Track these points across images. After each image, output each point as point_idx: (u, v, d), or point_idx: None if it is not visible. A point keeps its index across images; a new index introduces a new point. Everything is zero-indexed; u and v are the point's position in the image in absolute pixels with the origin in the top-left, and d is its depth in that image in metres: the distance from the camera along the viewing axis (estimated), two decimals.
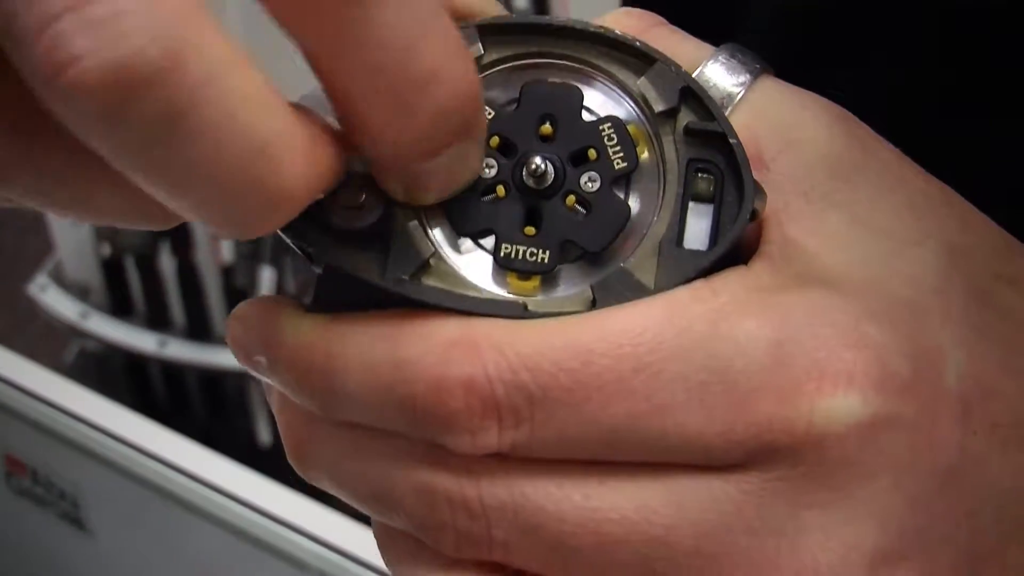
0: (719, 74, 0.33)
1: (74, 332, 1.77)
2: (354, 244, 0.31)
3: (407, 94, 0.27)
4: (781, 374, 0.28)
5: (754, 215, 0.31)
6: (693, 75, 0.32)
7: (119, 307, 1.78)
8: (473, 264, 0.31)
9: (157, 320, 1.77)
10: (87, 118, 0.24)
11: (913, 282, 0.30)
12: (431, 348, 0.29)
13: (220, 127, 0.25)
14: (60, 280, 1.78)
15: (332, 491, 0.32)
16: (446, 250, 0.31)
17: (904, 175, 0.32)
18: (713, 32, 0.35)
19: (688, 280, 0.30)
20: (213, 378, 1.75)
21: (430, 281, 0.31)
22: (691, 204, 0.31)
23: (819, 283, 0.30)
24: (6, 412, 1.10)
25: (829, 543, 0.29)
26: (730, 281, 0.30)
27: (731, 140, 0.31)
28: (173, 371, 1.79)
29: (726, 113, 0.32)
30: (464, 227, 0.31)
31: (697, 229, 0.31)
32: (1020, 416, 0.30)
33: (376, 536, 0.33)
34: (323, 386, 0.30)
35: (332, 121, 0.29)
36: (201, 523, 1.01)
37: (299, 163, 0.26)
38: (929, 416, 0.29)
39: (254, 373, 0.32)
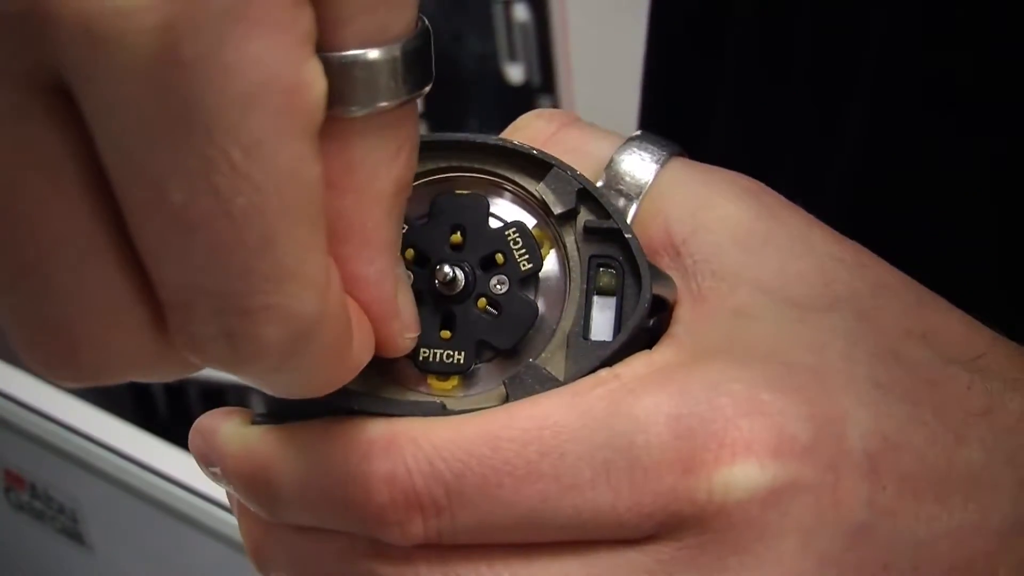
0: (631, 164, 0.35)
1: None
2: None
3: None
4: (681, 447, 0.30)
5: (663, 303, 0.33)
6: (606, 166, 0.35)
7: None
8: (398, 366, 0.34)
9: None
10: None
11: (817, 348, 0.32)
12: (356, 449, 0.31)
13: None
14: None
15: None
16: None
17: (813, 240, 0.34)
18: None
19: (594, 369, 0.32)
20: (214, 392, 1.75)
21: (357, 387, 0.32)
22: (595, 298, 0.33)
23: (719, 356, 0.31)
24: (5, 426, 1.10)
25: None
26: (632, 364, 0.32)
27: (626, 235, 0.33)
28: (174, 384, 1.79)
29: (638, 200, 0.34)
30: None
31: (602, 321, 0.33)
32: (930, 466, 0.31)
33: None
34: (265, 493, 0.32)
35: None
36: (201, 537, 1.01)
37: (353, 356, 0.29)
38: (832, 476, 0.30)
39: (214, 482, 0.35)
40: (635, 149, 0.35)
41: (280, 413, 0.33)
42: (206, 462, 0.34)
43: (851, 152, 0.50)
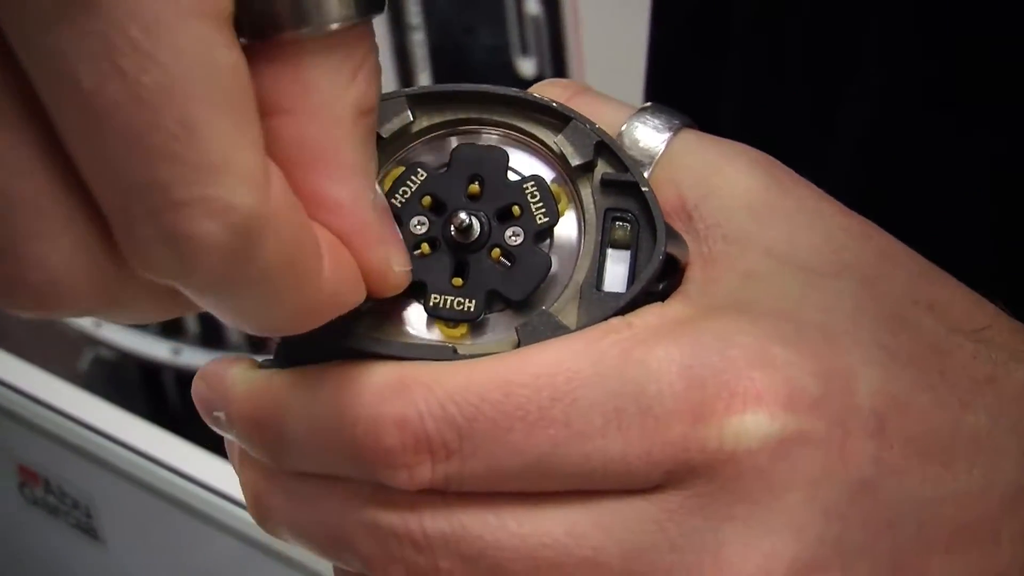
0: (642, 132, 0.35)
1: (88, 340, 1.77)
2: None
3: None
4: (692, 396, 0.30)
5: (676, 264, 0.33)
6: (617, 135, 0.35)
7: None
8: (408, 314, 0.34)
9: (171, 328, 1.77)
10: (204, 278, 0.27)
11: (825, 309, 0.32)
12: (366, 391, 0.31)
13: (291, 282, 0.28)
14: None
15: (292, 541, 0.34)
16: (383, 301, 0.33)
17: (822, 211, 0.34)
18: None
19: (606, 319, 0.32)
20: None
21: (368, 331, 0.33)
22: (609, 251, 0.33)
23: (730, 311, 0.32)
24: (19, 422, 1.11)
25: (749, 554, 0.30)
26: (644, 314, 0.32)
27: (643, 188, 0.33)
28: (187, 379, 1.79)
29: (650, 168, 0.35)
30: None
31: (616, 273, 0.33)
32: (935, 428, 0.32)
33: None
34: (272, 436, 0.32)
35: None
36: (214, 532, 1.01)
37: (329, 287, 0.29)
38: (840, 431, 0.31)
39: (216, 430, 0.34)
40: (647, 118, 0.35)
41: (288, 359, 0.33)
42: (210, 407, 0.34)
43: (850, 151, 0.50)
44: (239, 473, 0.35)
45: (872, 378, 0.31)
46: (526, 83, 0.46)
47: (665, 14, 0.62)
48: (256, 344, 1.65)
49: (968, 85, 0.46)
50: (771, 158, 0.35)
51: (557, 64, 1.61)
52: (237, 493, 1.01)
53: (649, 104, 0.36)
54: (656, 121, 0.35)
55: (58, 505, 1.14)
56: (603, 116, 0.35)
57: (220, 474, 1.02)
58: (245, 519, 1.00)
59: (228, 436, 0.34)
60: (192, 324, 1.78)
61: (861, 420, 0.31)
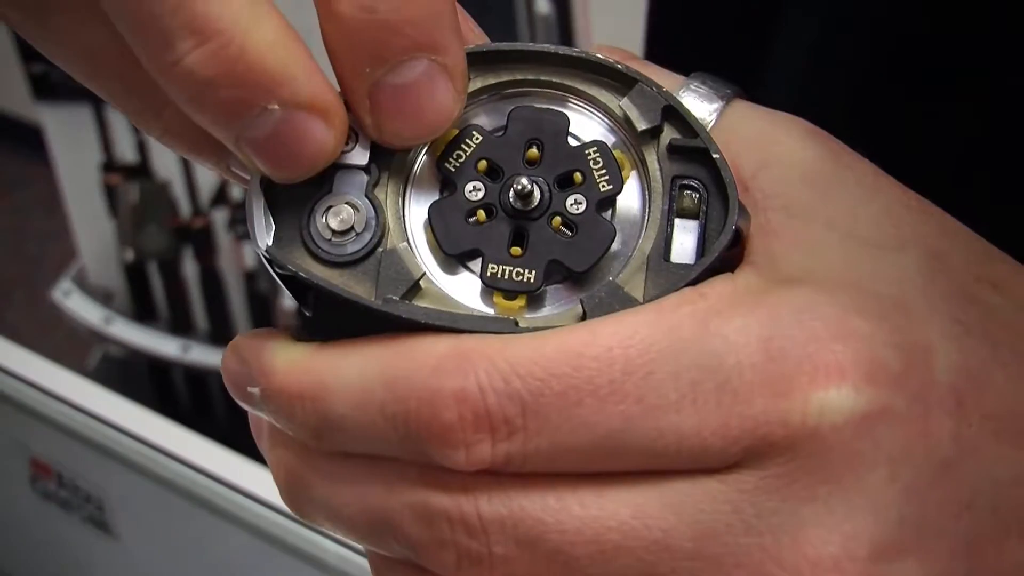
0: (692, 102, 0.33)
1: (97, 337, 1.78)
2: (344, 269, 0.31)
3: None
4: (773, 369, 0.29)
5: (739, 235, 0.31)
6: None
7: (142, 312, 1.79)
8: (461, 285, 0.32)
9: (180, 325, 1.78)
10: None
11: (897, 283, 0.31)
12: (422, 364, 0.29)
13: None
14: (84, 285, 1.79)
15: (328, 527, 0.32)
16: (435, 272, 0.32)
17: (880, 185, 0.33)
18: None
19: (677, 291, 0.30)
20: None
21: (421, 302, 0.31)
22: (677, 220, 0.32)
23: (803, 283, 0.30)
24: (32, 416, 1.11)
25: (829, 536, 0.29)
26: (717, 285, 0.30)
27: (714, 155, 0.32)
28: (196, 376, 1.80)
29: None
30: (452, 248, 0.32)
31: (684, 244, 0.32)
32: (1011, 407, 0.30)
33: (372, 569, 0.33)
34: (315, 411, 0.30)
35: None
36: (225, 525, 1.02)
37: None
38: (922, 407, 0.29)
39: (247, 408, 0.33)
40: (698, 86, 0.34)
41: (328, 333, 0.31)
42: (242, 382, 0.32)
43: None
44: (268, 453, 0.33)
45: (950, 353, 0.30)
46: None
47: (661, 16, 0.62)
48: None
49: (938, 59, 0.46)
50: (825, 131, 0.34)
51: None
52: (250, 487, 1.01)
53: (698, 73, 0.34)
54: (707, 90, 0.34)
55: (70, 499, 1.14)
56: None
57: (233, 468, 1.02)
58: (258, 513, 1.00)
59: (260, 414, 0.32)
60: (201, 321, 1.78)
61: (940, 396, 0.29)
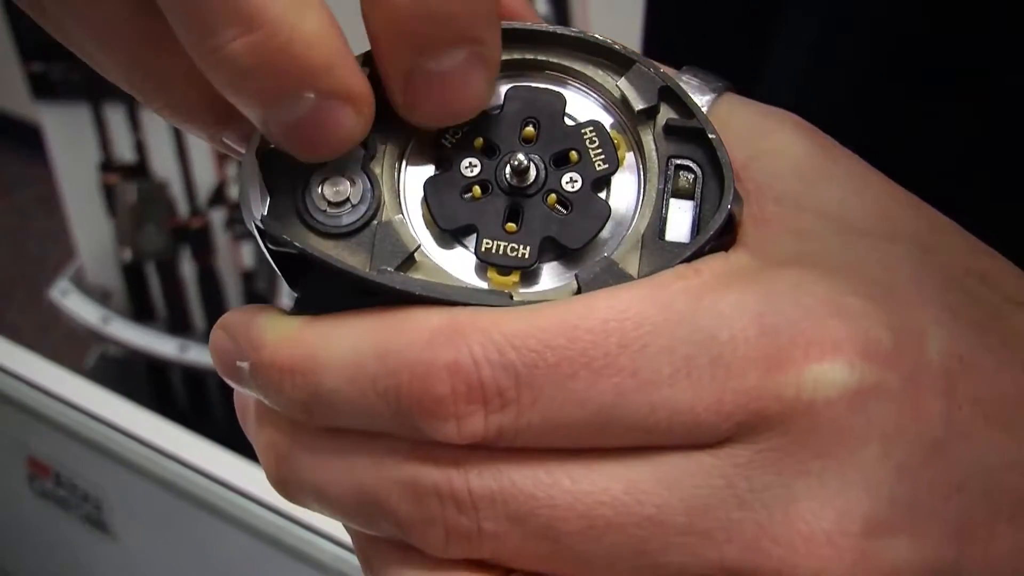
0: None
1: (95, 337, 1.78)
2: (339, 240, 0.31)
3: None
4: (767, 343, 0.29)
5: (732, 219, 0.31)
6: None
7: (140, 312, 1.79)
8: (456, 260, 0.32)
9: (178, 325, 1.78)
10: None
11: (889, 269, 0.31)
12: (415, 336, 0.29)
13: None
14: (82, 285, 1.79)
15: (316, 507, 0.32)
16: (429, 246, 0.32)
17: (869, 179, 0.33)
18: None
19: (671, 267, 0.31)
20: None
21: (415, 275, 0.31)
22: (672, 200, 0.32)
23: (796, 264, 0.30)
24: (30, 415, 1.11)
25: (822, 511, 0.29)
26: (711, 262, 0.30)
27: (710, 135, 0.32)
28: (194, 375, 1.80)
29: None
30: (447, 223, 0.32)
31: (679, 223, 0.32)
32: (1000, 392, 0.31)
33: (358, 551, 0.33)
34: (306, 384, 0.30)
35: None
36: (223, 525, 1.02)
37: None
38: (914, 386, 0.29)
39: (235, 385, 0.32)
40: (691, 79, 0.34)
41: (325, 304, 0.31)
42: (231, 357, 0.32)
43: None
44: (255, 434, 0.33)
45: (941, 336, 0.30)
46: None
47: (658, 16, 0.62)
48: None
49: (937, 57, 0.46)
50: (814, 126, 0.34)
51: None
52: (248, 487, 1.01)
53: (689, 67, 0.34)
54: (698, 82, 0.34)
55: (68, 498, 1.15)
56: None
57: (231, 468, 1.02)
58: (254, 512, 1.00)
59: (248, 391, 0.32)
60: (199, 321, 1.78)
61: (932, 377, 0.30)
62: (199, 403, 1.82)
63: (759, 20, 0.54)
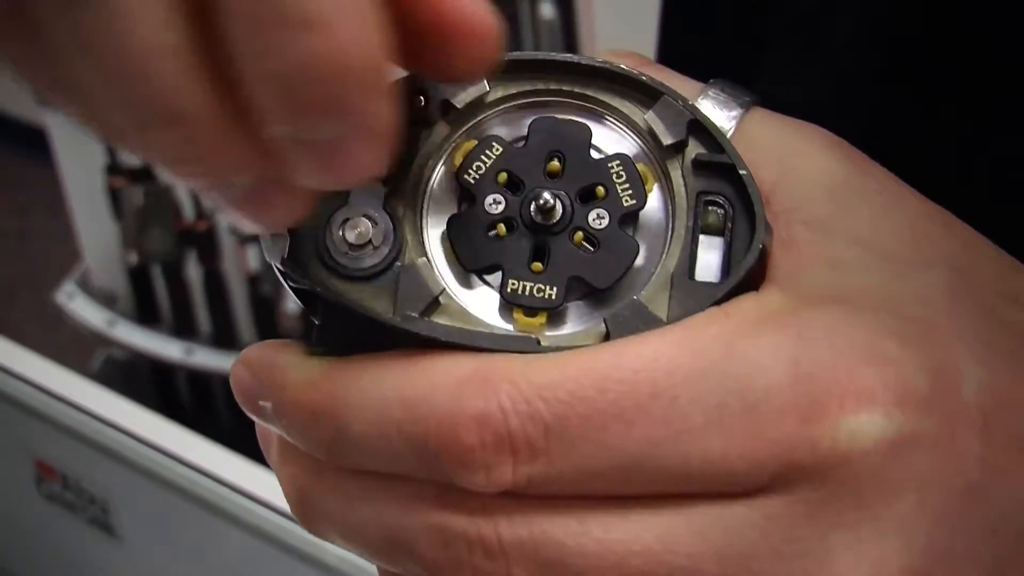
0: (710, 109, 0.33)
1: (101, 340, 1.78)
2: (361, 283, 0.31)
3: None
4: (801, 392, 0.28)
5: (762, 250, 0.31)
6: None
7: (145, 315, 1.79)
8: (479, 299, 0.31)
9: (183, 328, 1.78)
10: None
11: (922, 302, 0.30)
12: (442, 385, 0.28)
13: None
14: (87, 288, 1.79)
15: (341, 543, 0.31)
16: (453, 286, 0.31)
17: (903, 197, 0.32)
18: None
19: (702, 310, 0.30)
20: None
21: (439, 319, 0.31)
22: (701, 237, 0.31)
23: (830, 303, 0.30)
24: (37, 418, 1.11)
25: (859, 563, 0.28)
26: (742, 304, 0.30)
27: (741, 171, 0.31)
28: (199, 379, 1.80)
29: None
30: (472, 263, 0.31)
31: (708, 261, 0.31)
32: None
33: None
34: (330, 428, 0.30)
35: None
36: (229, 527, 1.02)
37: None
38: (949, 431, 0.29)
39: (259, 421, 0.32)
40: (718, 93, 0.33)
41: (348, 345, 0.30)
42: (254, 396, 0.31)
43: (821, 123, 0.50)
44: (278, 468, 0.32)
45: (976, 374, 0.29)
46: None
47: (674, 21, 0.62)
48: None
49: (933, 58, 0.45)
50: (845, 141, 0.33)
51: None
52: (253, 489, 1.01)
53: (717, 80, 0.34)
54: (726, 97, 0.33)
55: (75, 501, 1.15)
56: None
57: (237, 470, 1.02)
58: (261, 515, 1.00)
59: (273, 428, 0.31)
60: (205, 324, 1.78)
61: (968, 418, 0.29)
62: (204, 406, 1.82)
63: (759, 20, 0.54)
